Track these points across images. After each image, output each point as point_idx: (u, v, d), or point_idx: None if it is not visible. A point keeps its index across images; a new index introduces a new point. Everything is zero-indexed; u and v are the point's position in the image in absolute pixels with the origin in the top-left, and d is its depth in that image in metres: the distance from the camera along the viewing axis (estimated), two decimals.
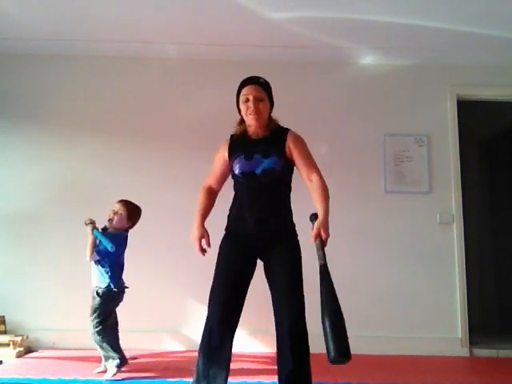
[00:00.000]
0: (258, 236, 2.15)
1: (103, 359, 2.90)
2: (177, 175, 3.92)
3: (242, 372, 2.93)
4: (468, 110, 4.24)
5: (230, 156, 2.25)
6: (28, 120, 4.03)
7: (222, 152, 2.30)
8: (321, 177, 2.15)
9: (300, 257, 2.17)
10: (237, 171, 2.19)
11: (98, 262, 2.96)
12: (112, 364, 2.82)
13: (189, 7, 3.36)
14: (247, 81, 2.26)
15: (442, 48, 3.89)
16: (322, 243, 1.99)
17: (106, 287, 2.93)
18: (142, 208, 3.87)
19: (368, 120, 4.08)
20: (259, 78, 2.27)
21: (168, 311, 3.79)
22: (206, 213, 2.26)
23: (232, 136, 2.32)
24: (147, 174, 3.96)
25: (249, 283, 2.18)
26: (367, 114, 4.09)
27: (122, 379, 2.77)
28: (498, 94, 4.16)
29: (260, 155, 2.16)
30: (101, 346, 2.87)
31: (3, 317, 3.66)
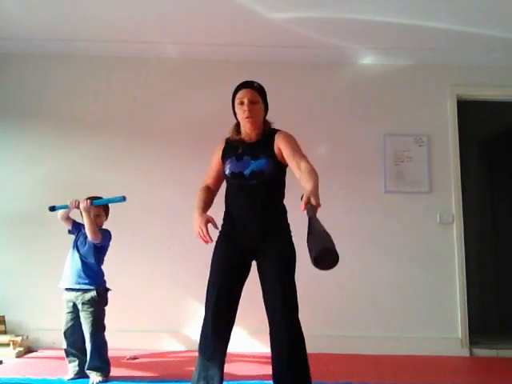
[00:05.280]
0: (249, 236, 2.16)
1: (93, 370, 2.69)
2: (177, 175, 3.92)
3: (241, 372, 2.93)
4: (468, 110, 4.24)
5: (222, 157, 2.30)
6: (28, 120, 4.03)
7: (216, 153, 2.34)
8: (310, 164, 2.11)
9: (293, 257, 2.17)
10: (227, 171, 2.23)
11: (90, 259, 2.79)
12: (99, 374, 2.68)
13: (189, 7, 3.36)
14: (241, 85, 2.29)
15: (442, 48, 3.89)
16: (312, 210, 1.84)
17: (104, 287, 2.83)
18: (142, 208, 3.89)
19: (368, 120, 4.08)
20: (253, 82, 2.30)
21: (168, 311, 3.79)
22: (205, 206, 2.25)
23: (227, 139, 2.35)
24: (147, 174, 3.96)
25: (243, 282, 2.18)
26: (367, 114, 4.09)
27: (123, 379, 2.77)
28: (498, 94, 4.17)
29: (249, 157, 2.20)
30: (100, 358, 2.71)
31: (3, 317, 3.66)
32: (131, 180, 3.93)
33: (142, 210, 3.83)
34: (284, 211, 2.26)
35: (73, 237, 2.89)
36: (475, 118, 4.77)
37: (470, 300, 3.97)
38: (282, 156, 2.20)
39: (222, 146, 2.34)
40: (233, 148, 2.27)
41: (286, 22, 3.51)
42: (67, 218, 2.88)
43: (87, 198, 2.80)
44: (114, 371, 2.79)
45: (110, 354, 2.78)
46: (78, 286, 2.75)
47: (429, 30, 3.56)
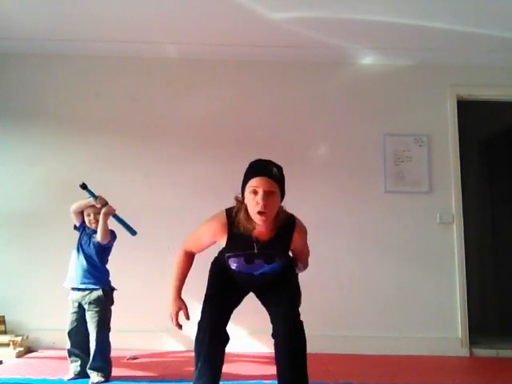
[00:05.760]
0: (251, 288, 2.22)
1: (95, 371, 2.68)
2: (176, 175, 3.91)
3: (241, 372, 2.93)
4: (468, 110, 4.24)
5: (226, 248, 2.07)
6: (28, 120, 4.03)
7: (215, 234, 2.07)
8: (307, 262, 2.29)
9: (296, 276, 2.22)
10: (233, 267, 2.09)
11: (94, 259, 2.79)
12: (99, 374, 2.68)
13: (189, 7, 3.36)
14: (258, 171, 1.95)
15: (442, 48, 3.89)
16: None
17: (110, 286, 2.83)
18: (141, 208, 3.89)
19: (368, 120, 4.08)
20: (272, 168, 1.96)
21: (168, 311, 3.78)
22: (182, 282, 2.22)
23: (230, 220, 2.01)
24: (146, 175, 3.96)
25: (241, 301, 2.22)
26: (367, 114, 4.09)
27: (123, 379, 2.76)
28: (498, 94, 4.16)
29: (262, 261, 2.03)
30: (103, 358, 2.72)
31: (3, 317, 3.66)
32: (131, 180, 3.93)
33: (142, 211, 3.83)
34: (288, 263, 2.22)
35: (76, 236, 2.88)
36: (475, 118, 4.77)
37: (470, 300, 3.96)
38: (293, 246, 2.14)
39: (224, 229, 2.02)
40: (240, 244, 2.02)
41: (286, 22, 3.51)
42: (79, 213, 2.86)
43: (106, 204, 2.80)
44: (114, 371, 2.78)
45: (110, 354, 2.78)
46: (83, 286, 2.75)
47: (429, 29, 3.56)
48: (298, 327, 2.04)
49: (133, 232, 2.87)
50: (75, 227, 2.90)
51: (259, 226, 1.96)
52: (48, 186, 3.93)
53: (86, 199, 2.82)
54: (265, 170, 1.94)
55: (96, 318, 2.71)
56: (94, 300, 2.73)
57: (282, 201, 2.01)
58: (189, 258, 2.19)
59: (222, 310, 2.11)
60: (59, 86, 4.08)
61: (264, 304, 2.19)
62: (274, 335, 2.06)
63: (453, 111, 4.08)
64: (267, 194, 1.89)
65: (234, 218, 2.00)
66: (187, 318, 2.10)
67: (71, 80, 4.09)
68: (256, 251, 1.99)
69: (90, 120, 4.04)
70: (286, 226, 2.03)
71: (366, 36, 3.73)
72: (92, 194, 2.77)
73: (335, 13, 3.38)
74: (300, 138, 3.95)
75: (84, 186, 2.74)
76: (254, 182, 1.92)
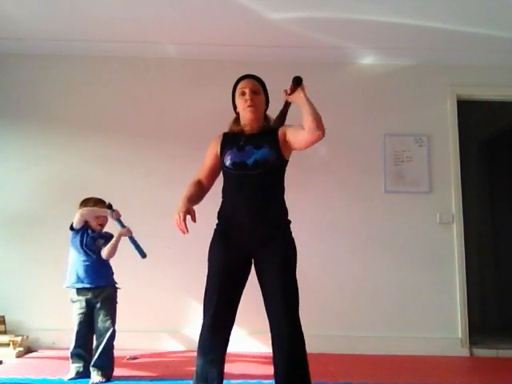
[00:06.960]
0: (251, 232, 2.07)
1: (98, 369, 2.68)
2: (176, 175, 3.90)
3: (241, 372, 2.93)
4: (468, 110, 4.24)
5: (221, 150, 2.21)
6: (28, 120, 4.03)
7: (213, 147, 2.27)
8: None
9: (294, 256, 2.11)
10: (228, 163, 2.13)
11: (102, 258, 2.82)
12: (101, 374, 2.67)
13: (189, 7, 3.36)
14: (242, 77, 2.31)
15: (442, 48, 3.89)
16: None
17: (116, 285, 2.85)
18: (142, 208, 3.89)
19: (368, 120, 4.08)
20: (254, 75, 2.33)
21: (168, 311, 3.79)
22: (192, 198, 2.13)
23: (225, 133, 2.29)
24: (147, 174, 3.96)
25: (244, 282, 2.12)
26: (367, 113, 4.09)
27: (123, 379, 2.76)
28: (498, 94, 4.16)
29: (252, 146, 2.13)
30: (108, 357, 2.72)
31: (3, 317, 3.66)
32: (131, 180, 3.93)
33: (142, 210, 3.83)
34: (285, 207, 2.18)
35: (71, 235, 2.87)
36: (475, 118, 4.77)
37: (470, 300, 3.97)
38: (285, 144, 2.15)
39: (219, 138, 2.27)
40: (233, 140, 2.20)
41: (286, 22, 3.51)
42: (84, 220, 2.83)
43: (124, 226, 2.87)
44: (115, 371, 2.78)
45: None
46: (94, 285, 2.75)
47: (429, 29, 3.56)
48: (297, 335, 2.01)
49: (143, 255, 2.89)
50: (71, 227, 2.84)
51: (249, 121, 2.20)
52: (48, 186, 3.93)
53: (98, 209, 2.86)
54: (248, 75, 2.32)
55: (108, 316, 2.72)
56: (106, 298, 2.75)
57: (267, 106, 2.32)
58: (195, 183, 2.26)
59: (224, 312, 2.07)
60: (59, 86, 4.08)
61: (261, 285, 2.09)
62: (273, 340, 2.03)
63: (453, 111, 4.08)
64: (253, 92, 2.22)
65: (227, 132, 2.29)
66: (194, 220, 2.04)
67: (71, 80, 4.09)
68: (245, 140, 2.17)
69: (90, 120, 4.03)
70: (272, 128, 2.26)
71: (366, 36, 3.73)
72: (120, 223, 2.87)
73: (335, 13, 3.39)
74: None
75: (111, 206, 2.84)
76: (241, 85, 2.26)
